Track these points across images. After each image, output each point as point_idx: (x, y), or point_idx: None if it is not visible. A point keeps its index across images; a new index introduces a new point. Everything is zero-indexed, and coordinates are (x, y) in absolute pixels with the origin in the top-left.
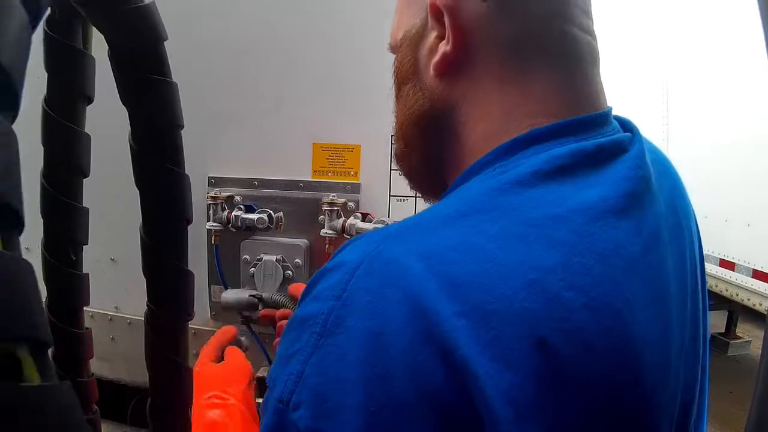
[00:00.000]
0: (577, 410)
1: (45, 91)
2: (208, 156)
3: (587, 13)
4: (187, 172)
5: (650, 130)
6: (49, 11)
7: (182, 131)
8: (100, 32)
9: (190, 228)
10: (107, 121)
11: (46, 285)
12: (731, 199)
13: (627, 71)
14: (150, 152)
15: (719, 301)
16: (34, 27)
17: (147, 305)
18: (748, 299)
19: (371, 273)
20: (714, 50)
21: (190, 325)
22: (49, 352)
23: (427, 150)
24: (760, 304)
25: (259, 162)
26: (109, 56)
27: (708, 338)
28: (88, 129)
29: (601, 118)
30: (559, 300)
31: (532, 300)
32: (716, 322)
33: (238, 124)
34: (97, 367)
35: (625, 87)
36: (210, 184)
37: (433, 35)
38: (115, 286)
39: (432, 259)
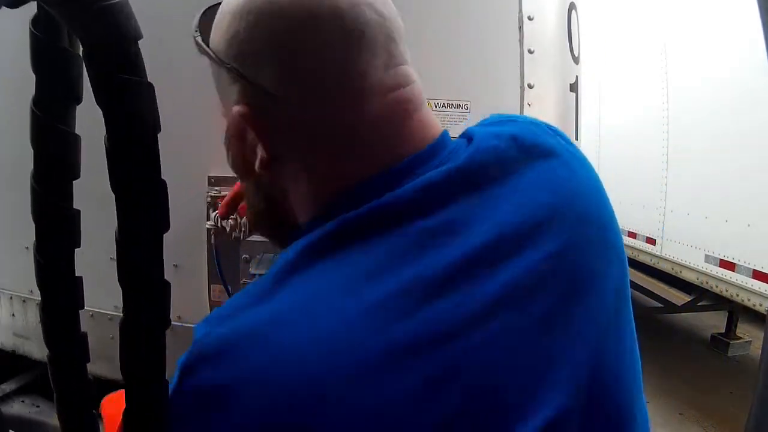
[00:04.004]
0: None
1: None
2: (208, 156)
3: (393, 64)
4: (186, 171)
5: (650, 132)
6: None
7: (182, 131)
8: (71, 30)
9: (189, 227)
10: (101, 120)
11: (39, 289)
12: (731, 199)
13: (627, 72)
14: (124, 157)
15: (719, 301)
16: None
17: (122, 314)
18: (749, 300)
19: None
20: (715, 49)
21: (190, 325)
22: (46, 355)
23: (279, 232)
24: (761, 305)
25: None
26: (82, 55)
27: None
28: (82, 129)
29: (391, 175)
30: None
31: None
32: (716, 322)
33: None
34: (96, 366)
35: (626, 88)
36: (210, 183)
37: (250, 136)
38: (114, 285)
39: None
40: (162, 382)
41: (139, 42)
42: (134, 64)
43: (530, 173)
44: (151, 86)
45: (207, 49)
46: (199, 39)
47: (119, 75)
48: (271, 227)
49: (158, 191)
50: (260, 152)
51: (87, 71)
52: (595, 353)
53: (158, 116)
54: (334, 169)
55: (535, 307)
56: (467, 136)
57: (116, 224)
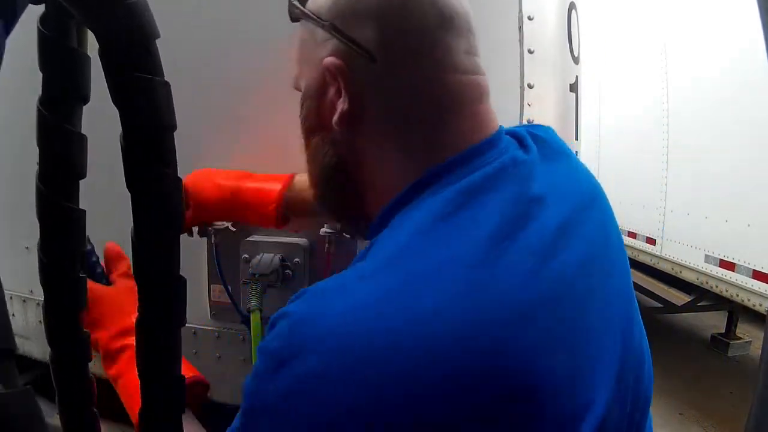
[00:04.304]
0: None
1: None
2: (208, 156)
3: (471, 53)
4: (187, 171)
5: (650, 131)
6: (43, 10)
7: (182, 131)
8: (90, 30)
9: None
10: (107, 121)
11: (43, 288)
12: (731, 199)
13: (627, 72)
14: (140, 154)
15: (719, 301)
16: (7, 32)
17: (138, 312)
18: (749, 300)
19: (299, 329)
20: (715, 50)
21: (190, 325)
22: (48, 354)
23: (341, 195)
24: (760, 305)
25: (259, 161)
26: (99, 54)
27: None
28: (87, 129)
29: (485, 146)
30: (427, 350)
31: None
32: (716, 322)
33: (238, 124)
34: (98, 366)
35: (626, 88)
36: None
37: (331, 92)
38: None
39: (333, 320)
40: (179, 379)
41: None
42: (153, 63)
43: (565, 167)
44: (167, 85)
45: (304, 9)
46: (296, 1)
47: (139, 74)
48: (334, 187)
49: (174, 189)
50: (341, 106)
51: (104, 70)
52: (624, 335)
53: (174, 115)
54: (426, 138)
55: (591, 280)
56: (509, 132)
57: (120, 222)
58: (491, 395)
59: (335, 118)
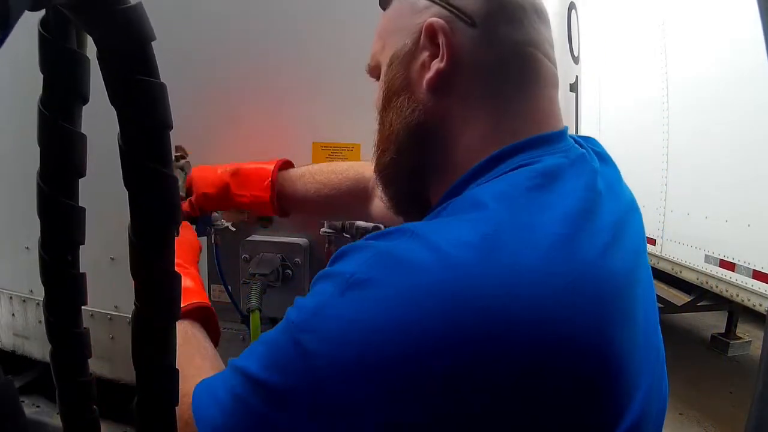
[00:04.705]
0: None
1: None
2: (208, 157)
3: (552, 46)
4: None
5: (650, 131)
6: (43, 13)
7: (181, 132)
8: (88, 34)
9: None
10: (106, 120)
11: (44, 285)
12: (731, 199)
13: (627, 72)
14: (137, 153)
15: (719, 301)
16: (1, 42)
17: (134, 305)
18: (748, 300)
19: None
20: (715, 50)
21: None
22: (47, 354)
23: (416, 158)
24: (760, 305)
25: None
26: (97, 57)
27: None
28: (87, 129)
29: (559, 136)
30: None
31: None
32: (716, 322)
33: (237, 124)
34: (97, 366)
35: (626, 88)
36: None
37: (425, 54)
38: (114, 285)
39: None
40: (172, 371)
41: None
42: (150, 65)
43: (613, 173)
44: (164, 86)
45: None
46: None
47: (137, 77)
48: (411, 145)
49: (170, 186)
50: (437, 65)
51: (102, 73)
52: (658, 348)
53: (170, 114)
54: (510, 106)
55: (637, 279)
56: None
57: (114, 222)
58: (567, 362)
59: (429, 75)
